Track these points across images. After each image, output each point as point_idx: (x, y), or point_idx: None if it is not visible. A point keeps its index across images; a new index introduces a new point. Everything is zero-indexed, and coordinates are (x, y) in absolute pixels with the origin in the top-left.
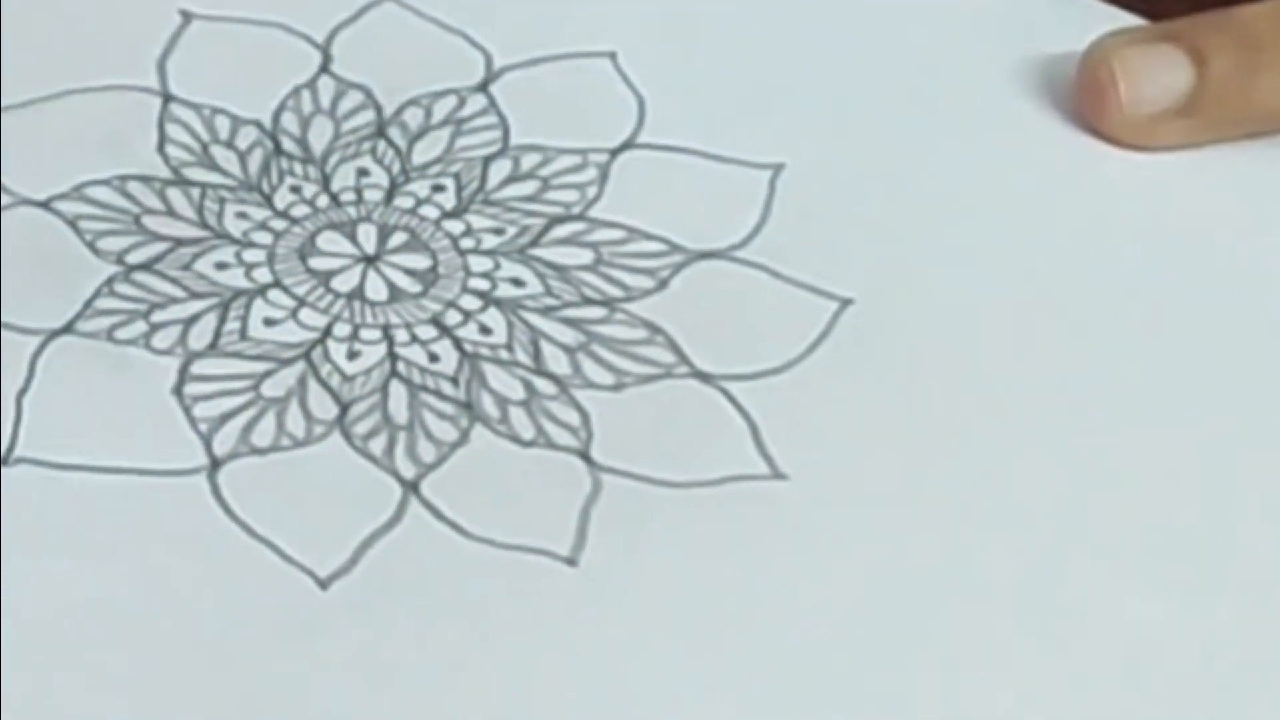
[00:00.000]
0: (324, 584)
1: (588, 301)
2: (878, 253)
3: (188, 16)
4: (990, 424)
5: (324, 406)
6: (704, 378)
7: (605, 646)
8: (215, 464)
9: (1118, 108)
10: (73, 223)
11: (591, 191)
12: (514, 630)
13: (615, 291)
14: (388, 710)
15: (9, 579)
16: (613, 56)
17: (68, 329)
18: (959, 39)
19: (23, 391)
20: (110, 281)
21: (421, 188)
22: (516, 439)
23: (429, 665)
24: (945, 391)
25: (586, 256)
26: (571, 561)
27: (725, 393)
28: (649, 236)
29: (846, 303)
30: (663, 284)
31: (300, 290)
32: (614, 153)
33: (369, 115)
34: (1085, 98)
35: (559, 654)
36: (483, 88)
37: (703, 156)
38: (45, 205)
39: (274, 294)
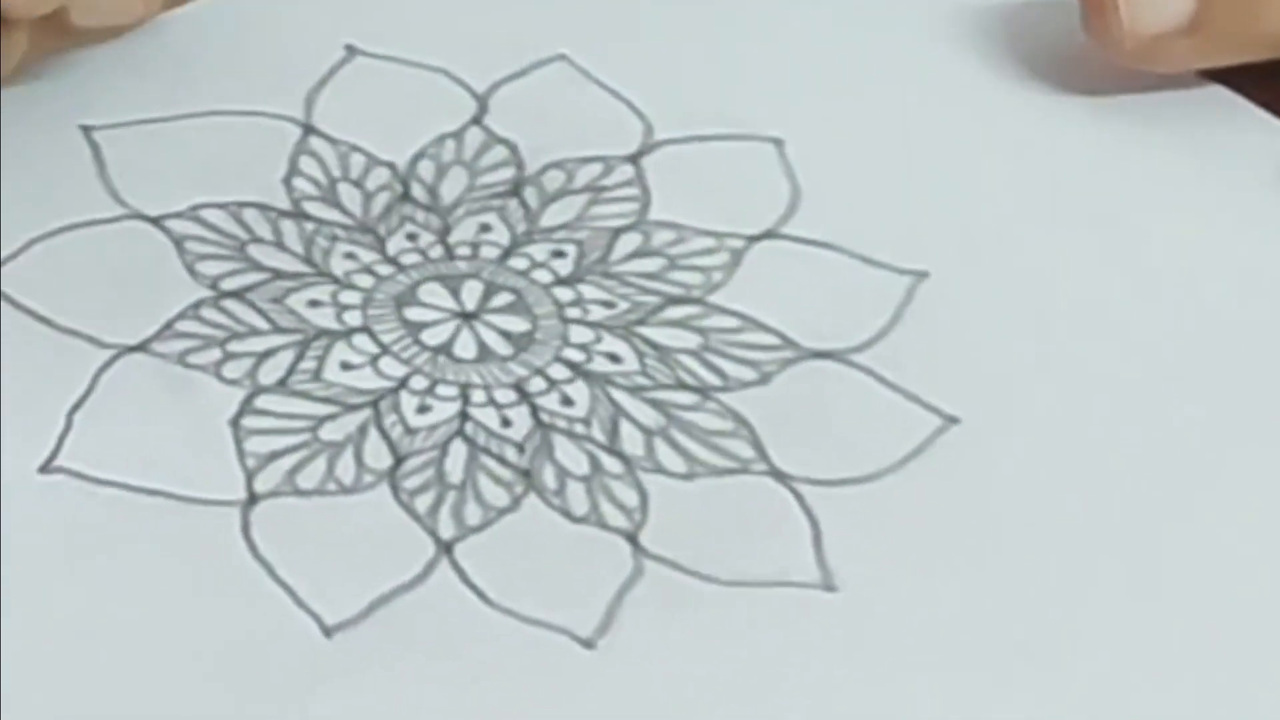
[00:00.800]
0: (329, 632)
1: (681, 386)
2: (998, 373)
3: (352, 51)
4: (1064, 573)
5: (379, 456)
6: (780, 477)
7: None
8: (253, 499)
9: (1118, 26)
10: (178, 242)
11: (718, 276)
12: (507, 704)
13: (713, 380)
14: None
15: (19, 583)
16: (779, 143)
17: (141, 347)
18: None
19: (76, 406)
20: (197, 305)
21: (541, 251)
22: (568, 513)
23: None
24: (1023, 532)
25: (694, 341)
26: (589, 644)
27: (797, 495)
28: (764, 328)
29: (951, 420)
30: (765, 378)
31: (387, 338)
32: (752, 239)
33: (508, 172)
34: (1089, 18)
35: None
36: (634, 159)
37: (845, 254)
38: (156, 221)
39: (359, 339)
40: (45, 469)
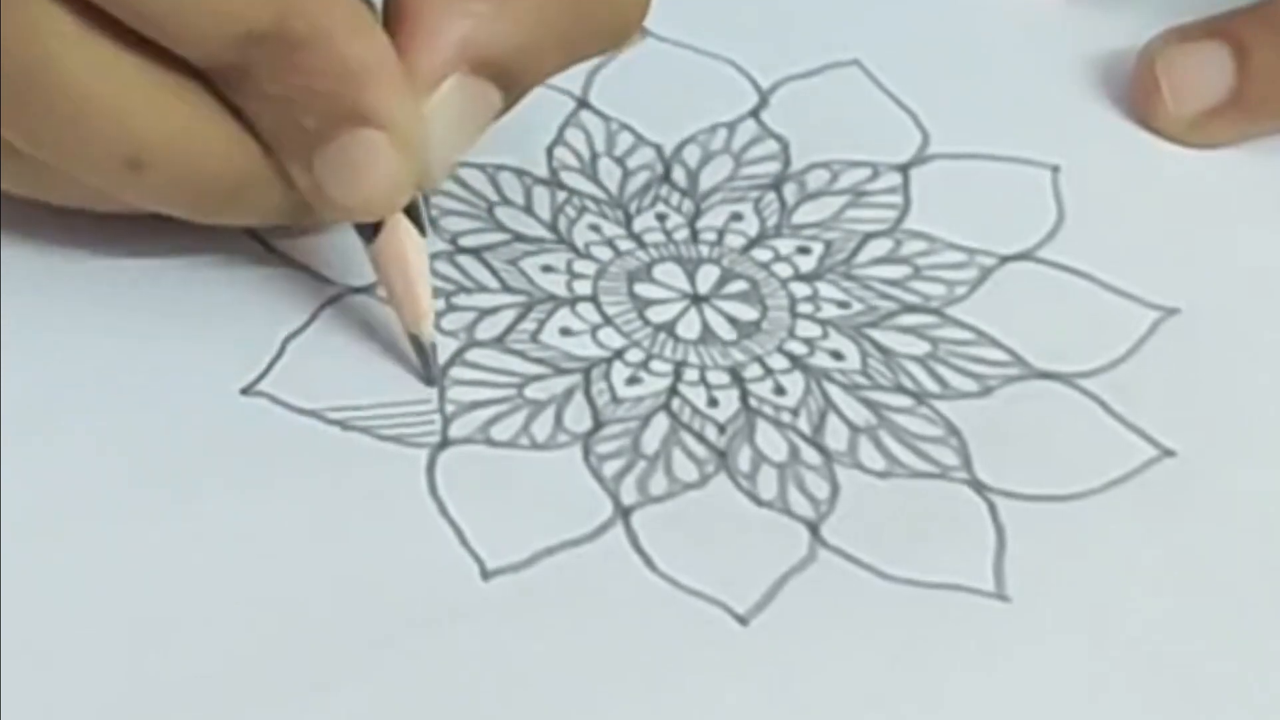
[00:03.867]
0: (487, 575)
1: (899, 389)
2: (1225, 415)
3: (644, 33)
4: (1247, 625)
5: (579, 420)
6: (977, 487)
7: (727, 703)
8: (444, 444)
9: (1164, 108)
10: (427, 196)
11: (961, 291)
12: (649, 666)
13: (933, 387)
14: (506, 702)
15: (200, 495)
16: (1055, 169)
17: (365, 290)
18: None
19: (293, 335)
20: (431, 258)
21: (787, 246)
22: (754, 497)
23: (561, 674)
24: (1213, 573)
25: (922, 348)
26: (743, 621)
27: (991, 506)
28: (997, 344)
29: (1167, 453)
30: (987, 391)
31: (612, 310)
32: (1006, 259)
33: (773, 166)
34: (1136, 99)
35: (678, 697)
36: (904, 168)
37: (1097, 284)
38: None
39: (584, 308)
40: (247, 390)
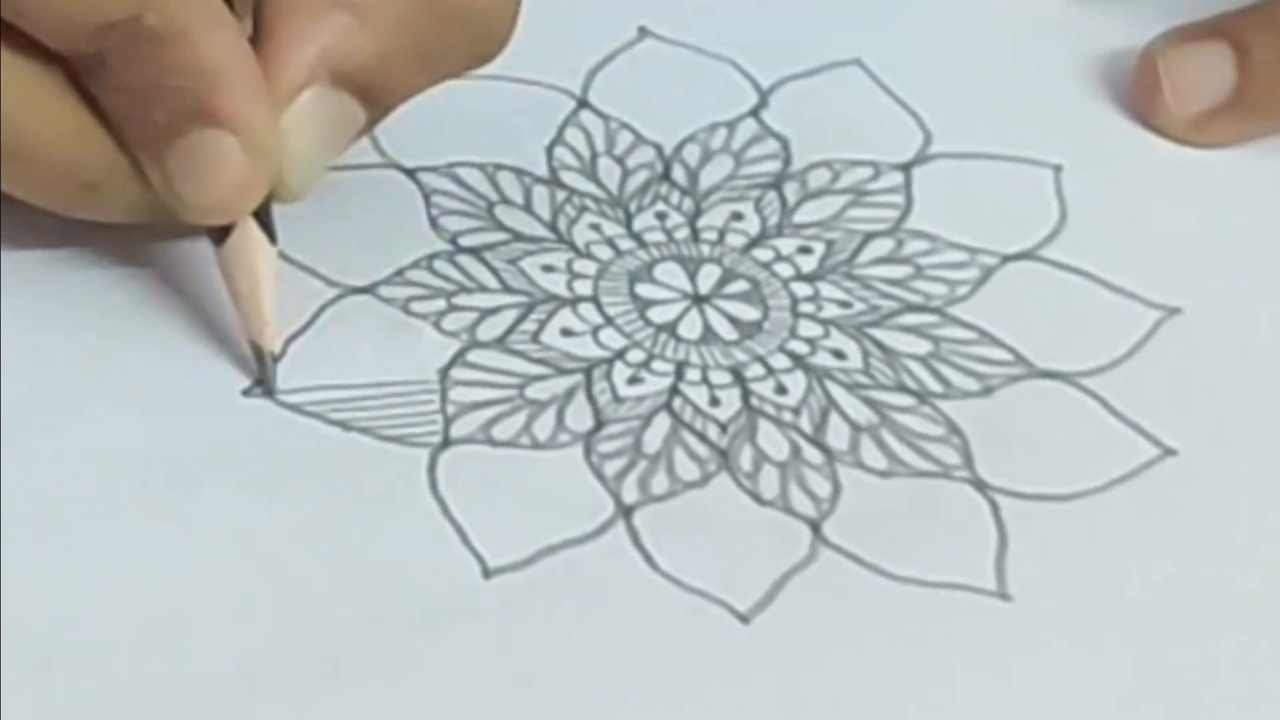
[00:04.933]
0: (489, 573)
1: (901, 388)
2: (1228, 414)
3: (644, 33)
4: (1248, 625)
5: (580, 419)
6: (979, 486)
7: (728, 702)
8: (445, 443)
9: (1166, 107)
10: (428, 195)
11: (963, 290)
12: (651, 664)
13: (935, 386)
14: (506, 701)
15: (203, 496)
16: (1057, 169)
17: (368, 290)
18: None
19: (294, 336)
20: (431, 257)
21: (788, 245)
22: (756, 495)
23: (562, 673)
24: (1213, 573)
25: (924, 348)
26: (745, 619)
27: (993, 505)
28: (998, 343)
29: (1169, 452)
30: (988, 391)
31: (613, 310)
32: (1007, 258)
33: (774, 165)
34: (1138, 99)
35: (680, 695)
36: (906, 167)
37: (1099, 283)
38: (410, 173)
39: (585, 308)
40: (249, 392)
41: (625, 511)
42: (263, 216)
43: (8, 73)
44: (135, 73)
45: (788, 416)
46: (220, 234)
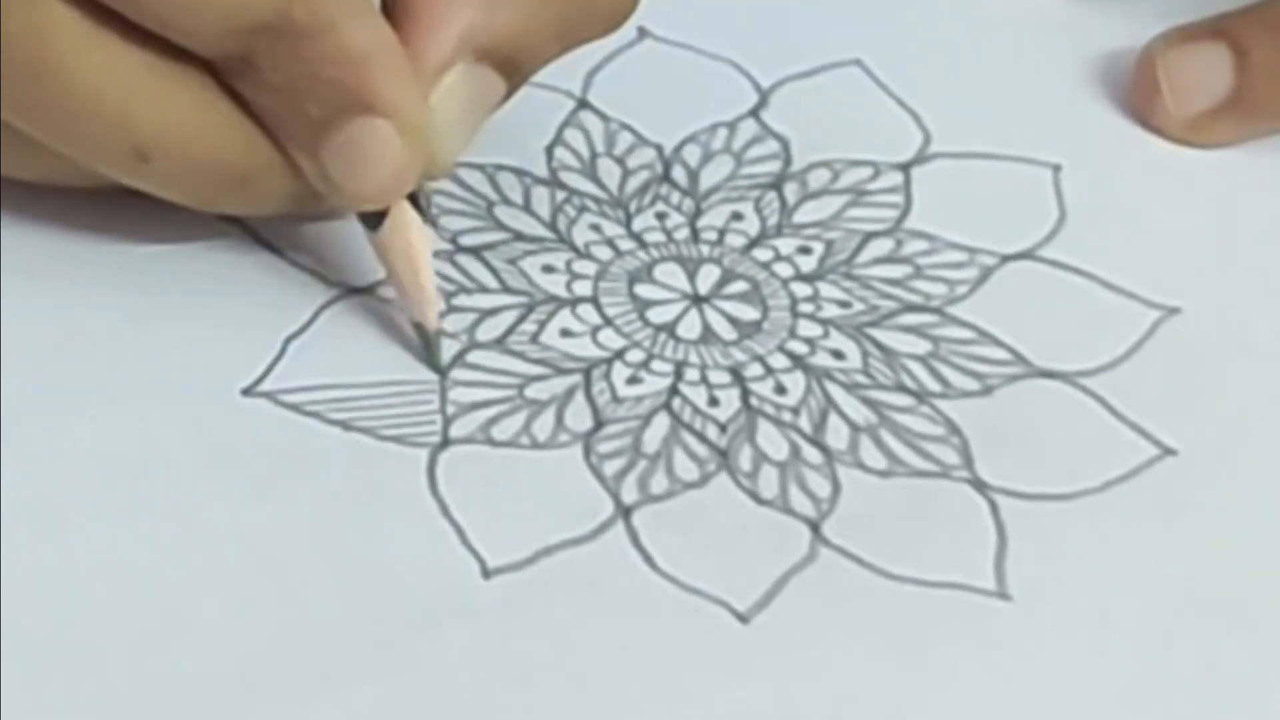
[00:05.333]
0: (488, 574)
1: (900, 388)
2: (1227, 414)
3: (643, 33)
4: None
5: (580, 419)
6: (979, 486)
7: (728, 701)
8: (445, 443)
9: (1165, 108)
10: (427, 195)
11: (962, 290)
12: (650, 664)
13: (934, 386)
14: (506, 701)
15: (202, 496)
16: (1056, 169)
17: (367, 290)
18: None
19: (294, 335)
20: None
21: (788, 245)
22: (755, 495)
23: (562, 673)
24: (1212, 571)
25: (923, 347)
26: (744, 619)
27: (992, 504)
28: (998, 343)
29: (1168, 452)
30: (988, 390)
31: (612, 311)
32: (1007, 258)
33: (774, 165)
34: (1137, 99)
35: (679, 695)
36: (905, 167)
37: (1098, 283)
38: None
39: (584, 309)
40: (249, 391)
41: (624, 511)
42: (415, 198)
43: (149, 73)
44: (285, 70)
45: (787, 416)
46: (375, 219)
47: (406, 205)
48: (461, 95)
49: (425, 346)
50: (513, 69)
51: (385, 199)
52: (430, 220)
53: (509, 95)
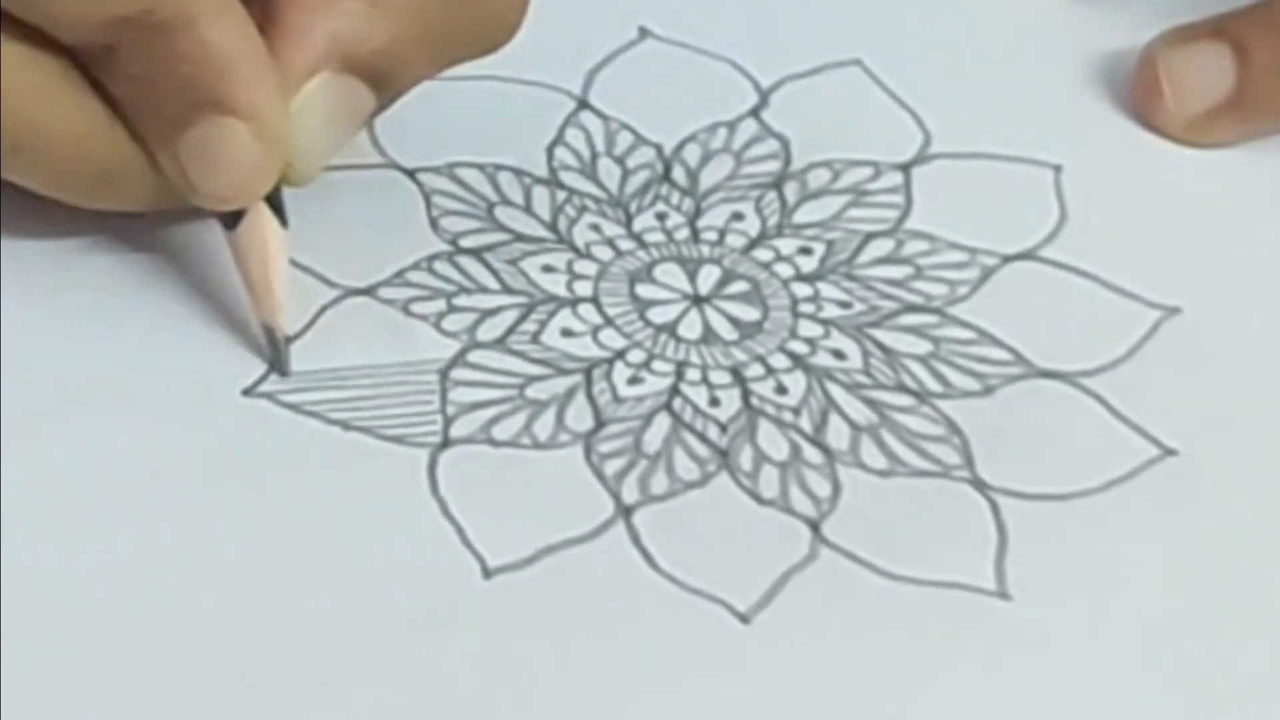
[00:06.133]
0: (489, 573)
1: (901, 388)
2: (1227, 414)
3: (644, 33)
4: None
5: (580, 419)
6: (979, 486)
7: (729, 701)
8: (445, 443)
9: (1166, 108)
10: (428, 196)
11: (963, 290)
12: (651, 663)
13: (935, 386)
14: (506, 701)
15: (203, 496)
16: (1057, 169)
17: (368, 291)
18: None
19: (295, 336)
20: (432, 258)
21: (789, 245)
22: (755, 495)
23: (562, 673)
24: (1213, 572)
25: (924, 348)
26: (745, 619)
27: (993, 505)
28: (998, 344)
29: (1168, 452)
30: (988, 391)
31: (612, 311)
32: (1007, 258)
33: (774, 165)
34: (1138, 99)
35: (680, 694)
36: (905, 167)
37: (1099, 283)
38: (411, 174)
39: (585, 309)
40: (249, 391)
41: (625, 511)
42: (273, 200)
43: (18, 66)
44: (145, 63)
45: (788, 416)
46: (232, 219)
47: (262, 207)
48: (324, 104)
49: (272, 350)
50: (381, 82)
51: (239, 200)
52: (287, 215)
53: (380, 109)
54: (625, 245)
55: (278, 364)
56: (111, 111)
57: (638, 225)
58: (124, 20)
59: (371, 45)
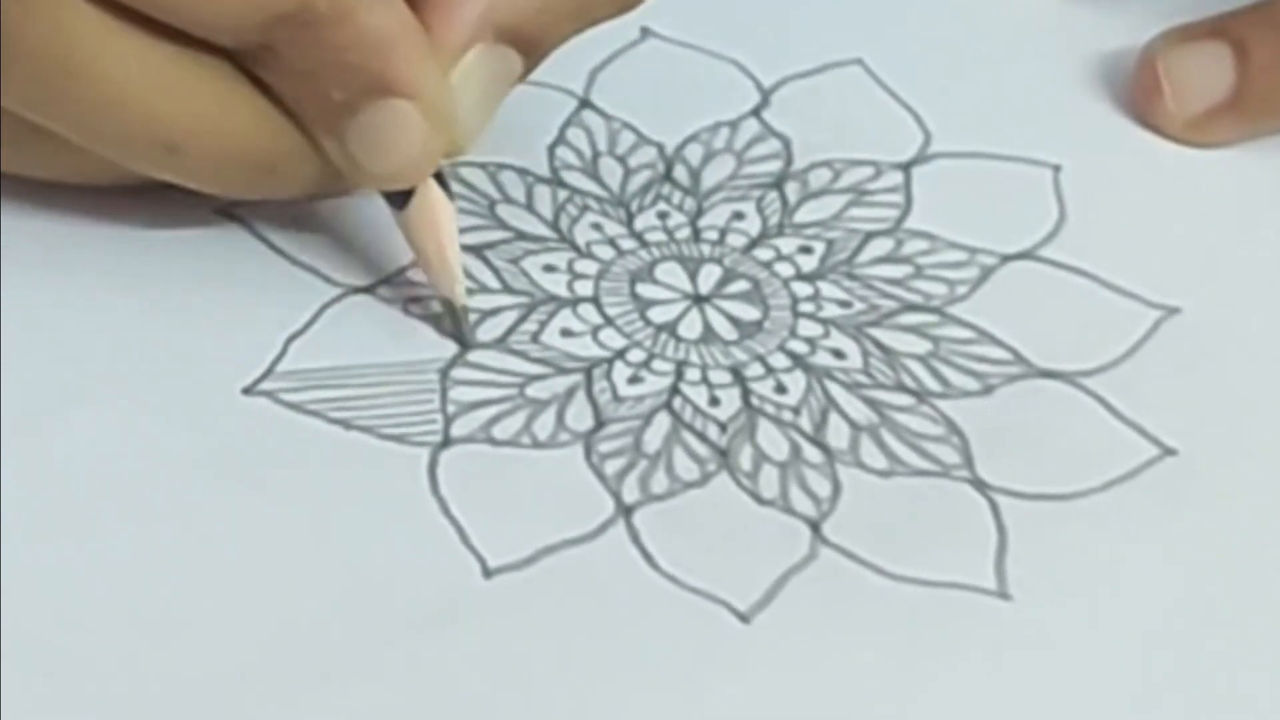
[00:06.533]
0: (489, 573)
1: (901, 388)
2: (1227, 414)
3: (646, 33)
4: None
5: (581, 419)
6: (979, 486)
7: (729, 701)
8: (445, 442)
9: (1166, 107)
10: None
11: (962, 290)
12: (651, 663)
13: (935, 386)
14: (506, 700)
15: (201, 495)
16: (1056, 169)
17: (368, 289)
18: None
19: (295, 335)
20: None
21: (789, 245)
22: (756, 495)
23: (563, 673)
24: (1214, 572)
25: (923, 347)
26: (745, 618)
27: (993, 504)
28: (998, 343)
29: (1168, 452)
30: (988, 390)
31: (613, 311)
32: (1007, 258)
33: (775, 165)
34: (1138, 98)
35: (680, 694)
36: (906, 166)
37: (1098, 283)
38: None
39: (585, 308)
40: (250, 390)
41: (625, 511)
42: (439, 176)
43: (174, 67)
44: (307, 57)
45: (788, 416)
46: (402, 198)
47: (432, 183)
48: (481, 75)
49: (453, 322)
50: (530, 47)
51: (410, 179)
52: (454, 197)
53: (526, 74)
54: (627, 244)
55: (460, 337)
56: (273, 104)
57: (639, 224)
58: (282, 18)
59: (521, 13)
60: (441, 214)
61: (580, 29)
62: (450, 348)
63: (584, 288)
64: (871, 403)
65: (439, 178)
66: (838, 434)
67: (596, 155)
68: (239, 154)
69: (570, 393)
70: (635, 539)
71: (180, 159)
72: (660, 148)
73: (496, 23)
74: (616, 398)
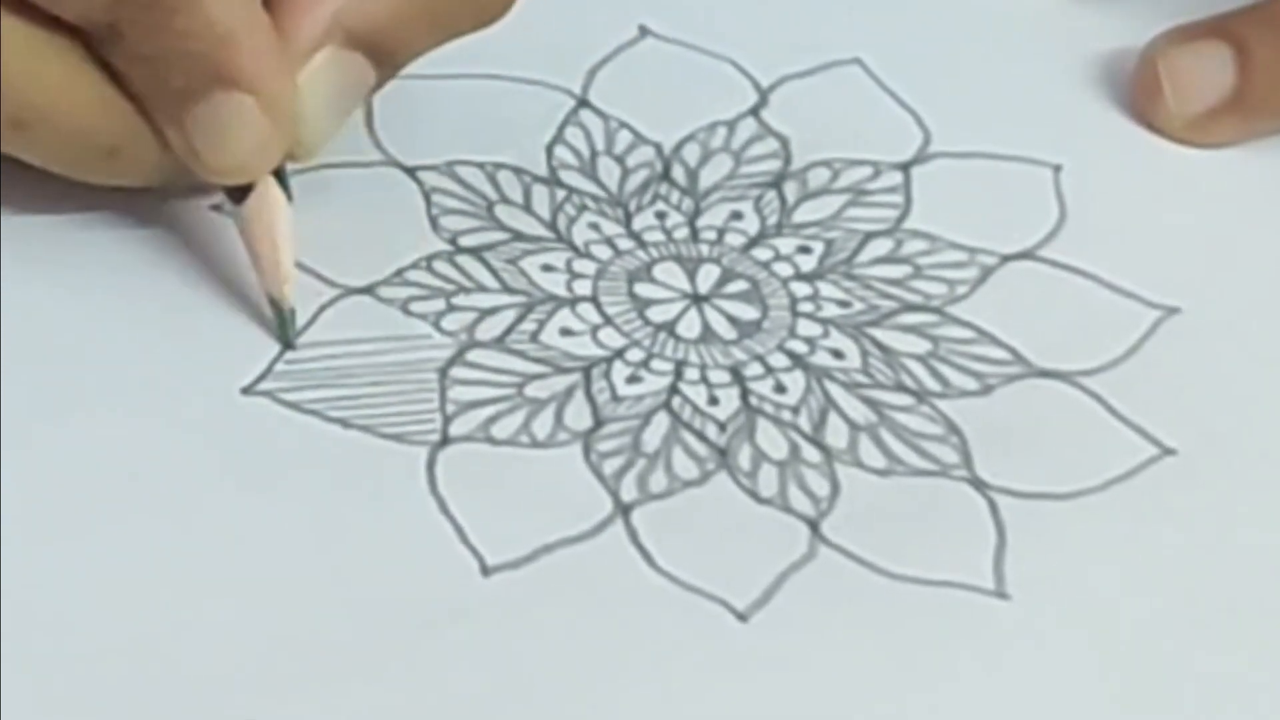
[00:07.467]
0: (487, 571)
1: (900, 388)
2: (1226, 414)
3: (644, 32)
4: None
5: (579, 418)
6: (978, 485)
7: (727, 699)
8: (444, 441)
9: (1166, 107)
10: (427, 194)
11: (962, 290)
12: (649, 662)
13: (934, 385)
14: (506, 699)
15: (202, 496)
16: (1056, 169)
17: (368, 290)
18: None
19: (296, 334)
20: (431, 258)
21: (788, 245)
22: (754, 494)
23: (561, 671)
24: (1212, 572)
25: (923, 347)
26: (743, 617)
27: (991, 504)
28: (997, 343)
29: (1167, 452)
30: (987, 389)
31: (612, 310)
32: (1007, 258)
33: (773, 164)
34: (1138, 98)
35: (678, 693)
36: (905, 167)
37: (1099, 283)
38: (410, 172)
39: (584, 308)
40: (249, 390)
41: (624, 510)
42: (279, 175)
43: (22, 41)
44: (151, 40)
45: (786, 415)
46: (239, 194)
47: (271, 182)
48: (329, 79)
49: (279, 322)
50: (383, 57)
51: (247, 174)
52: (293, 190)
53: (380, 84)
54: (624, 244)
55: (283, 337)
56: (118, 87)
57: (637, 224)
58: None
59: (374, 20)
60: (277, 213)
61: (439, 41)
62: (449, 347)
63: (582, 287)
64: (870, 402)
65: (280, 178)
66: (837, 433)
67: (594, 155)
68: (82, 135)
69: (569, 392)
70: (634, 538)
71: (25, 135)
72: (658, 147)
73: (347, 27)
74: (615, 397)
